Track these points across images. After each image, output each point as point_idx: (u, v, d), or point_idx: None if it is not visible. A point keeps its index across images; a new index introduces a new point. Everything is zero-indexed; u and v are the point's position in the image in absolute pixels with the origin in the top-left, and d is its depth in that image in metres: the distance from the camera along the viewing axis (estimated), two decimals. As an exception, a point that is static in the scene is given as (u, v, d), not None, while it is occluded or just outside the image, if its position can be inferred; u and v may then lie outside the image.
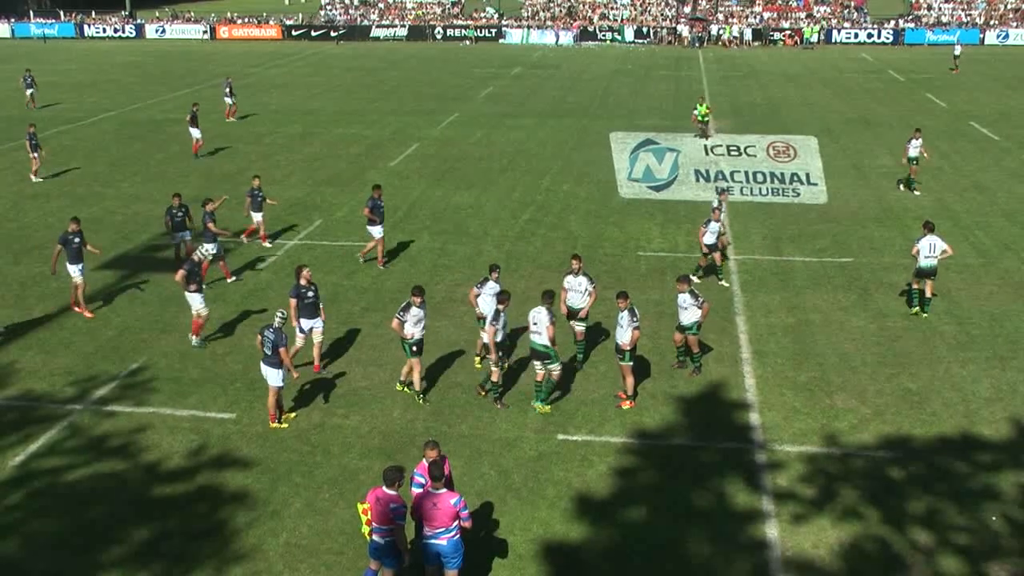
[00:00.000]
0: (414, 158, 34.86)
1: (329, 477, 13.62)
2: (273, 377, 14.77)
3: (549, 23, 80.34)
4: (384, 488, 10.33)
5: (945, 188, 29.58)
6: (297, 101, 47.95)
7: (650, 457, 14.22)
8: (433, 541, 10.46)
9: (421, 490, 10.64)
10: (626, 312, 15.27)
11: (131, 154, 35.72)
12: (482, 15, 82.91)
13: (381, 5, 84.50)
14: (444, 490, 10.39)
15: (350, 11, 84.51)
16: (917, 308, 19.53)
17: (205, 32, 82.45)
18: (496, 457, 14.16)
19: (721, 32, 75.17)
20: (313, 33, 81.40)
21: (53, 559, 11.93)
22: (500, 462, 14.02)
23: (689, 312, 16.27)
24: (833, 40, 74.93)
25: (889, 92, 50.50)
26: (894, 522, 12.58)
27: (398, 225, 26.14)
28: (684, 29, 76.50)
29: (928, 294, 19.42)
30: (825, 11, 78.17)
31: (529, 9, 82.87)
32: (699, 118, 35.62)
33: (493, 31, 79.77)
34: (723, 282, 21.18)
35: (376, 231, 22.36)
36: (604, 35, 78.05)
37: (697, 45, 73.81)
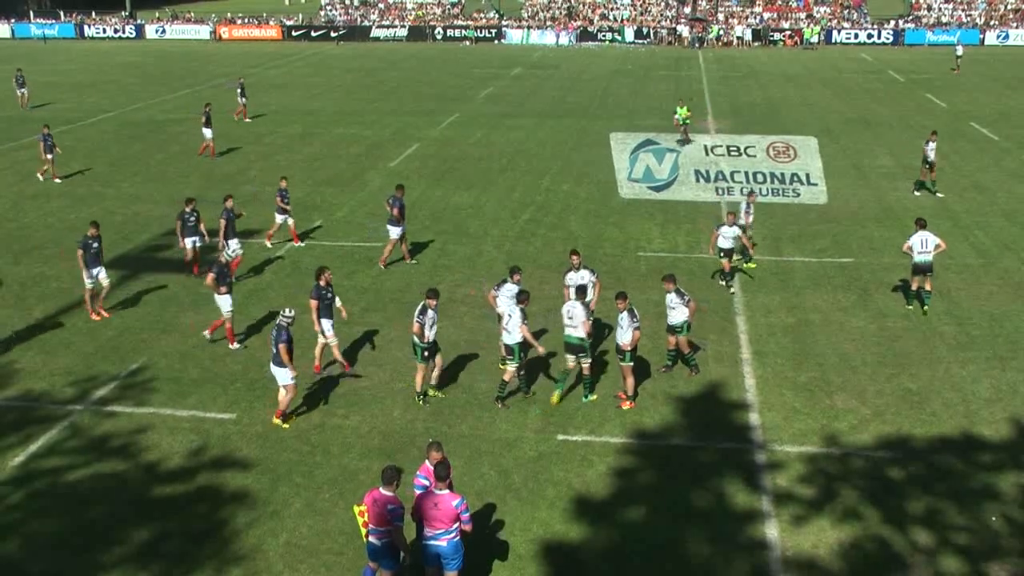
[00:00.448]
0: (414, 158, 34.87)
1: (329, 477, 13.62)
2: (280, 376, 14.80)
3: (549, 23, 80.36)
4: (381, 489, 10.32)
5: (945, 188, 29.56)
6: (297, 101, 47.96)
7: (650, 457, 14.22)
8: (433, 542, 10.45)
9: (424, 491, 10.64)
10: (626, 313, 15.29)
11: (131, 154, 35.73)
12: (482, 16, 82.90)
13: (381, 5, 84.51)
14: (447, 491, 10.38)
15: (350, 11, 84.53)
16: (915, 305, 19.58)
17: (217, 32, 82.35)
18: (496, 457, 14.16)
19: (707, 34, 75.10)
20: (313, 34, 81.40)
21: (53, 559, 11.93)
22: (500, 462, 14.03)
23: (677, 311, 16.27)
24: (833, 40, 74.93)
25: (889, 92, 50.51)
26: (894, 522, 12.58)
27: (398, 225, 26.15)
28: (684, 29, 76.51)
29: (927, 288, 19.45)
30: (825, 11, 78.18)
31: (529, 9, 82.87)
32: (680, 121, 35.16)
33: (493, 31, 79.79)
34: (732, 290, 20.83)
35: (395, 232, 22.46)
36: (604, 35, 78.06)
37: (697, 46, 73.82)
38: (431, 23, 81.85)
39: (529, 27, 79.98)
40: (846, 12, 78.37)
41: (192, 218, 21.62)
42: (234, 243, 21.29)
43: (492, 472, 13.76)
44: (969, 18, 76.73)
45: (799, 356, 17.63)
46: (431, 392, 15.94)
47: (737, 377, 16.81)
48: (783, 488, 13.39)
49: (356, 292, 21.02)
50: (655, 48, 74.46)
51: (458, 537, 10.46)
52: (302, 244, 24.27)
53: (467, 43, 78.48)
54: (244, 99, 42.41)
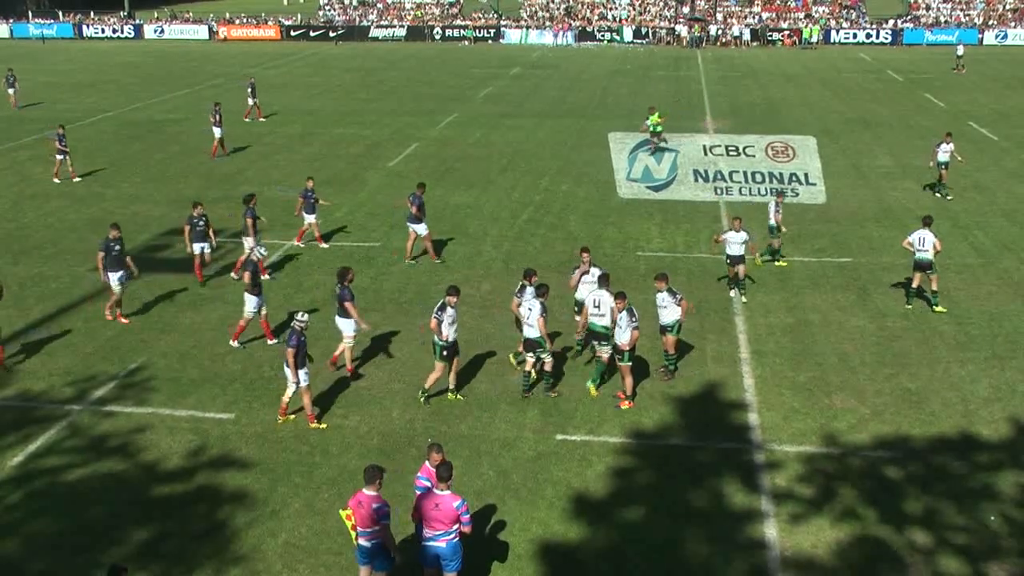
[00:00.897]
0: (413, 158, 34.87)
1: (328, 477, 13.62)
2: (288, 377, 14.82)
3: (548, 23, 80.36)
4: (365, 490, 10.32)
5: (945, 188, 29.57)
6: (296, 101, 47.94)
7: (649, 457, 14.23)
8: (432, 543, 10.45)
9: (425, 491, 10.63)
10: (625, 312, 15.29)
11: (130, 154, 35.71)
12: (481, 16, 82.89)
13: (380, 5, 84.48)
14: (448, 492, 10.38)
15: (349, 11, 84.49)
16: (915, 304, 19.65)
17: (218, 32, 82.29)
18: (495, 457, 14.17)
19: (690, 33, 75.17)
20: (312, 33, 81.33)
21: (52, 559, 11.93)
22: (499, 462, 14.03)
23: (669, 311, 16.27)
24: (832, 40, 74.92)
25: (888, 92, 50.52)
26: (893, 522, 12.59)
27: (397, 225, 26.12)
28: (683, 29, 76.52)
29: (933, 287, 19.47)
30: (824, 11, 78.20)
31: (528, 9, 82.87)
32: (651, 129, 32.29)
33: (492, 31, 79.77)
34: (739, 296, 20.33)
35: (420, 228, 22.66)
36: (603, 35, 78.06)
37: (696, 45, 73.83)
38: (430, 23, 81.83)
39: (528, 27, 79.98)
40: (845, 12, 78.40)
41: (201, 223, 21.19)
42: (249, 241, 21.32)
43: (491, 472, 13.76)
44: (968, 18, 76.76)
45: (798, 356, 17.64)
46: (450, 395, 15.92)
47: (736, 377, 16.82)
48: (782, 488, 13.40)
49: (355, 292, 20.95)
50: (654, 48, 74.47)
51: (457, 538, 10.45)
52: (326, 245, 24.29)
53: (466, 43, 78.46)
54: (255, 99, 42.40)
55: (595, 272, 17.03)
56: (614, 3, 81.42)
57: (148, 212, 27.53)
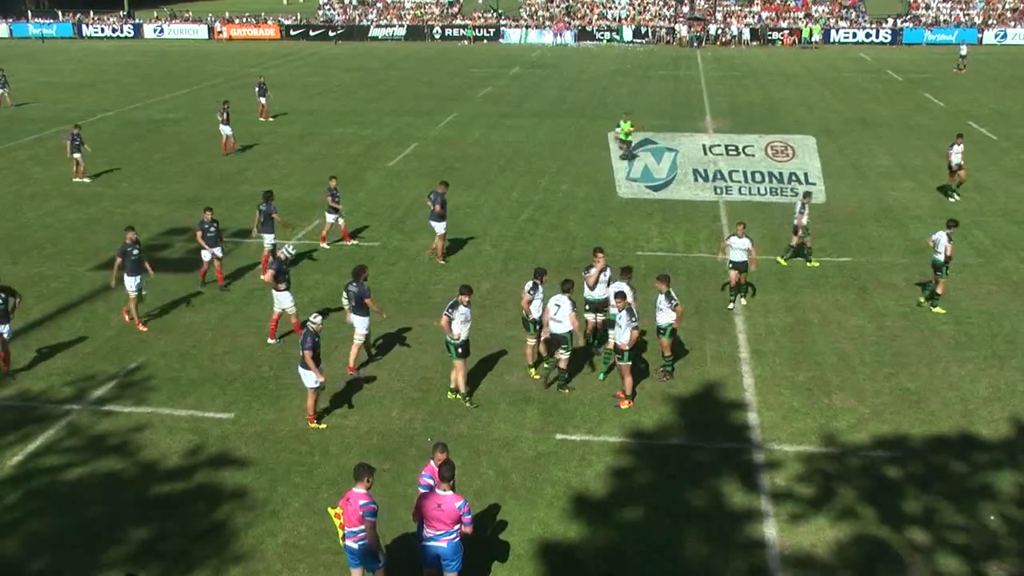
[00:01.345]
0: (412, 158, 34.86)
1: (328, 477, 13.62)
2: (305, 379, 14.83)
3: (547, 23, 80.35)
4: (354, 488, 10.33)
5: (944, 187, 29.57)
6: (296, 101, 47.92)
7: (648, 457, 14.23)
8: (433, 543, 10.45)
9: (428, 490, 10.64)
10: (624, 312, 15.30)
11: (130, 154, 35.69)
12: (480, 15, 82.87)
13: (379, 5, 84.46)
14: (450, 492, 10.37)
15: (348, 11, 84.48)
16: (922, 299, 19.82)
17: (222, 32, 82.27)
18: (495, 457, 14.17)
19: (677, 33, 75.19)
20: (311, 33, 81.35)
21: (52, 558, 11.93)
22: (499, 462, 14.03)
23: (664, 313, 16.28)
24: (831, 40, 74.93)
25: (887, 92, 50.51)
26: (892, 521, 12.59)
27: (396, 225, 26.17)
28: (682, 29, 76.52)
29: (938, 289, 19.60)
30: (823, 11, 78.20)
31: (527, 9, 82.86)
32: (621, 136, 30.41)
33: (491, 31, 79.77)
34: (733, 306, 19.94)
35: (440, 227, 22.71)
36: (602, 35, 78.06)
37: (695, 45, 73.83)
38: (429, 22, 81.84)
39: (527, 26, 79.97)
40: (844, 11, 78.40)
41: (212, 228, 20.72)
42: (270, 238, 21.59)
43: (491, 472, 13.76)
44: (967, 17, 76.76)
45: (797, 355, 17.64)
46: (450, 394, 15.94)
47: (735, 376, 16.82)
48: (781, 487, 13.40)
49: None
50: (653, 47, 74.47)
51: (458, 538, 10.45)
52: (354, 242, 24.29)
53: (465, 42, 78.45)
54: (264, 98, 42.44)
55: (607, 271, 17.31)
56: (613, 3, 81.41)
57: (147, 212, 27.52)
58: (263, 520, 12.66)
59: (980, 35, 73.45)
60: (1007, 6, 77.41)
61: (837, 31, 75.74)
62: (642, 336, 16.61)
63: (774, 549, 12.07)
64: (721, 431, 14.98)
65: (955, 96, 48.53)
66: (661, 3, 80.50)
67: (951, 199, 28.41)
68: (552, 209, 27.69)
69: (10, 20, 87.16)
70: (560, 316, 15.67)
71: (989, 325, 19.02)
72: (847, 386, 16.41)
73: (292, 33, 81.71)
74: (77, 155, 31.12)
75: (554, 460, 14.09)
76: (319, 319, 14.85)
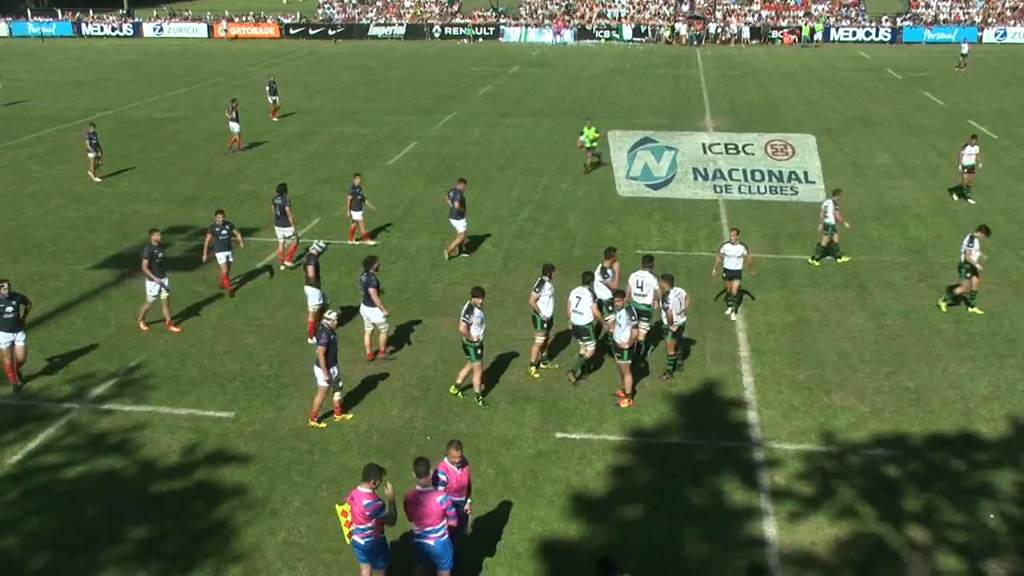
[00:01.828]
0: (412, 157, 34.85)
1: (328, 476, 13.63)
2: (317, 376, 14.85)
3: (547, 21, 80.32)
4: (360, 486, 10.38)
5: (944, 186, 29.58)
6: (295, 100, 47.89)
7: (648, 455, 14.23)
8: (423, 539, 10.52)
9: (442, 488, 10.72)
10: (624, 311, 15.31)
11: (129, 153, 35.67)
12: (480, 14, 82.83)
13: (379, 3, 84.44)
14: (430, 488, 10.44)
15: (348, 9, 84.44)
16: (948, 300, 19.83)
17: (228, 30, 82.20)
18: (495, 455, 14.17)
19: (663, 32, 75.21)
20: (311, 32, 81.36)
21: (51, 557, 11.93)
22: (498, 460, 14.03)
23: (668, 313, 16.33)
24: (831, 38, 74.93)
25: (887, 91, 50.51)
26: (892, 520, 12.60)
27: (396, 223, 26.16)
28: (682, 27, 76.50)
29: (957, 289, 19.65)
30: (823, 9, 78.18)
31: (527, 7, 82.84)
32: (585, 144, 31.17)
33: (491, 29, 79.75)
34: (733, 312, 19.57)
35: (460, 224, 22.79)
36: (602, 34, 78.04)
37: (695, 43, 73.82)
38: (429, 21, 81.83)
39: (527, 25, 79.96)
40: (844, 10, 78.38)
41: (224, 231, 20.32)
42: (289, 231, 22.03)
43: (490, 470, 13.76)
44: (967, 16, 76.75)
45: (797, 354, 17.64)
46: (452, 389, 15.98)
47: (735, 375, 16.82)
48: (781, 486, 13.40)
49: (355, 291, 20.94)
50: (653, 46, 74.45)
51: (447, 536, 10.50)
52: (374, 242, 24.25)
53: (465, 41, 78.44)
54: (275, 97, 42.42)
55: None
56: (613, 1, 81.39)
57: (147, 211, 27.50)
58: (263, 519, 12.66)
59: (980, 33, 73.44)
60: (1007, 5, 77.39)
61: (837, 29, 75.73)
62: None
63: (774, 547, 12.07)
64: (721, 429, 14.98)
65: (955, 95, 48.51)
66: (661, 1, 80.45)
67: (969, 200, 28.19)
68: (552, 208, 27.69)
69: (9, 19, 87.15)
70: (581, 308, 15.99)
71: (989, 324, 19.02)
72: (847, 385, 16.41)
73: (292, 32, 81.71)
74: (92, 154, 31.08)
75: (554, 458, 14.09)
76: (334, 316, 14.91)
